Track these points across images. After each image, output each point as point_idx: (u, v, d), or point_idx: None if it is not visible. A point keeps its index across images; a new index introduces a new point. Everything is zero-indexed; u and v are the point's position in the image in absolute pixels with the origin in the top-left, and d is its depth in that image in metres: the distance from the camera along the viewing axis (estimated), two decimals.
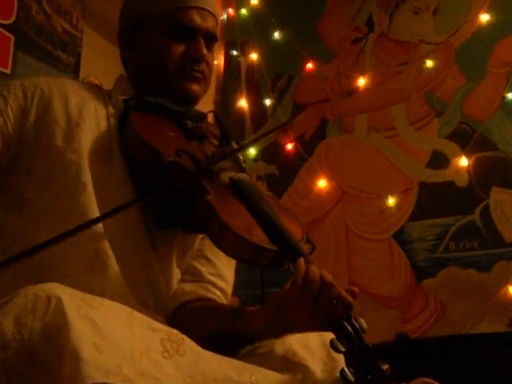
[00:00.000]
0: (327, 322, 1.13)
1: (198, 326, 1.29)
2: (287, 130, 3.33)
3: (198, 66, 1.44)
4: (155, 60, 1.44)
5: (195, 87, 1.44)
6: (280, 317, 1.19)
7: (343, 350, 1.08)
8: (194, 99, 1.45)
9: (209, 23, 1.47)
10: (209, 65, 1.47)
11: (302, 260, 1.17)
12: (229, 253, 1.27)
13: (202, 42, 1.45)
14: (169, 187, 1.20)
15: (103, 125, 1.39)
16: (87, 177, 1.31)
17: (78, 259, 1.25)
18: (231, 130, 3.22)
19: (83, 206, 1.28)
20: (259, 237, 1.22)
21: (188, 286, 1.42)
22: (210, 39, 1.48)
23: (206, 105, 1.54)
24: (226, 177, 1.32)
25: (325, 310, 1.13)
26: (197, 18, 1.44)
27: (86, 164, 1.32)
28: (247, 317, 1.26)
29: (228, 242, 1.22)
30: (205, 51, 1.45)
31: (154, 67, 1.44)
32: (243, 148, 1.50)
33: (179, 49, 1.43)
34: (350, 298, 1.14)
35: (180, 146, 1.33)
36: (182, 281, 1.43)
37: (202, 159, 1.33)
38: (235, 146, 1.41)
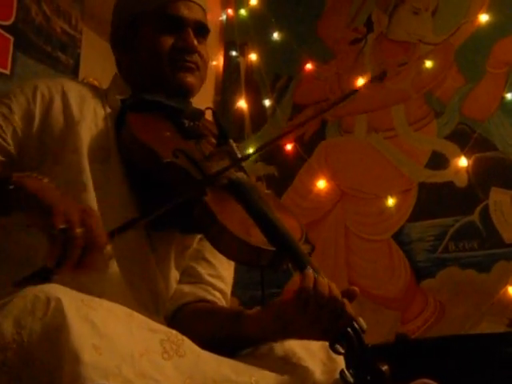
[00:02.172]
0: (327, 331, 1.13)
1: (198, 328, 1.28)
2: (285, 131, 3.33)
3: (190, 57, 1.45)
4: (147, 56, 1.45)
5: (189, 78, 1.44)
6: (280, 324, 1.19)
7: (342, 351, 1.08)
8: (189, 90, 1.45)
9: (197, 14, 1.48)
10: (202, 56, 1.48)
11: (310, 270, 1.16)
12: (227, 255, 1.27)
13: (191, 32, 1.46)
14: (170, 195, 1.19)
15: (101, 125, 1.39)
16: (87, 177, 1.31)
17: None
18: (229, 127, 3.22)
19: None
20: (257, 238, 1.21)
21: (187, 288, 1.42)
22: (201, 30, 1.49)
23: (205, 105, 1.54)
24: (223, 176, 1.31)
25: (326, 321, 1.13)
26: (183, 10, 1.46)
27: (86, 163, 1.32)
28: (247, 320, 1.26)
29: (226, 243, 1.22)
30: (195, 42, 1.46)
31: (146, 63, 1.45)
32: (247, 158, 1.50)
33: (170, 41, 1.44)
34: (352, 314, 1.13)
35: (177, 146, 1.32)
36: (180, 282, 1.43)
37: (199, 159, 1.32)
38: (233, 144, 1.41)
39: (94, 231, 1.06)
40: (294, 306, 1.15)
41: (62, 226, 1.03)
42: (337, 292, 1.15)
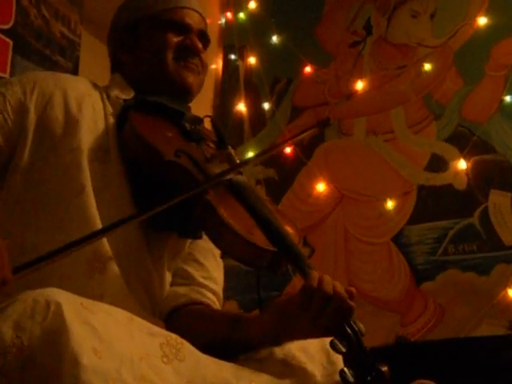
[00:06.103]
0: (327, 329, 1.13)
1: (194, 331, 1.28)
2: (285, 133, 3.33)
3: (192, 58, 1.48)
4: (152, 53, 1.47)
5: (191, 78, 1.47)
6: (281, 322, 1.19)
7: (344, 350, 1.08)
8: (189, 90, 1.48)
9: (200, 24, 1.53)
10: (203, 62, 1.51)
11: (314, 272, 1.17)
12: (229, 252, 1.27)
13: (195, 37, 1.50)
14: (170, 195, 1.19)
15: (101, 123, 1.39)
16: (86, 177, 1.30)
17: (76, 261, 1.25)
18: (228, 135, 3.22)
19: (81, 208, 1.28)
20: (259, 238, 1.22)
21: (181, 289, 1.42)
22: (203, 40, 1.53)
23: (204, 109, 1.55)
24: (224, 178, 1.32)
25: (329, 318, 1.13)
26: (189, 18, 1.51)
27: (85, 163, 1.31)
28: (246, 323, 1.26)
29: (228, 241, 1.22)
30: (200, 45, 1.50)
31: (150, 61, 1.47)
32: (247, 162, 1.50)
33: (175, 39, 1.48)
34: (353, 307, 1.14)
35: (179, 147, 1.33)
36: (173, 284, 1.43)
37: (200, 160, 1.33)
38: (232, 151, 1.42)
39: None
40: (297, 302, 1.15)
41: None
42: (341, 289, 1.15)
